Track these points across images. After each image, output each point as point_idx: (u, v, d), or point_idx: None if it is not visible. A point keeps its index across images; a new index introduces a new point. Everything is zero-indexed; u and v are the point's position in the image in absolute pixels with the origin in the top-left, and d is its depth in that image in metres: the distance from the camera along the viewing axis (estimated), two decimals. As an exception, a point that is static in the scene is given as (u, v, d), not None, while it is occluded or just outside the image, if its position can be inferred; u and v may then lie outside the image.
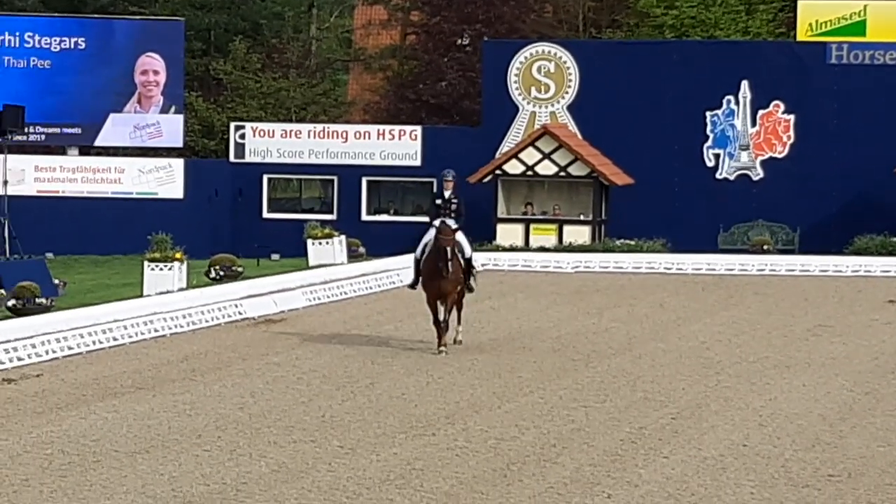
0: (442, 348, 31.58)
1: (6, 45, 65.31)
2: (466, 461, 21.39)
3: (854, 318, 39.46)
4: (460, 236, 31.81)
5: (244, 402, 26.34)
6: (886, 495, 19.31)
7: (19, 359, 31.34)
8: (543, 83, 63.46)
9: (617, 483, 20.04)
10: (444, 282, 31.13)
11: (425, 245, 31.75)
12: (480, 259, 53.91)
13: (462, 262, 31.68)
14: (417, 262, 32.18)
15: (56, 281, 44.24)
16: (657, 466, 21.07)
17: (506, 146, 62.04)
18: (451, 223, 31.54)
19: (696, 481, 20.12)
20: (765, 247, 58.35)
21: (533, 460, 21.49)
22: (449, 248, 30.82)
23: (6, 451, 22.18)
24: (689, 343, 34.27)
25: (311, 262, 52.02)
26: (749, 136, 62.55)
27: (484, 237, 58.49)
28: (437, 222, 31.54)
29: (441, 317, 31.54)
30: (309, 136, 64.56)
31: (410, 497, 19.12)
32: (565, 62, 63.53)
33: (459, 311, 32.77)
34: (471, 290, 32.61)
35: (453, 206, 32.11)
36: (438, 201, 32.38)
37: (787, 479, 20.30)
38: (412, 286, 32.97)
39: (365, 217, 62.37)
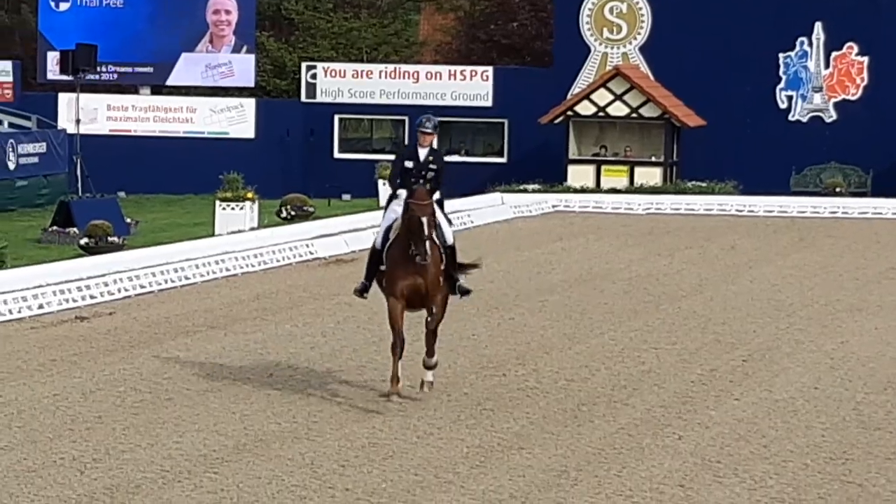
0: (393, 391, 20.72)
1: (77, -16, 65.51)
2: (537, 402, 21.46)
3: (927, 261, 39.34)
4: (439, 215, 21.03)
5: (315, 341, 26.43)
6: (959, 439, 19.30)
7: (92, 297, 31.52)
8: (615, 24, 63.24)
9: (688, 424, 20.07)
10: (418, 275, 20.30)
11: (388, 229, 20.82)
12: (551, 200, 54.02)
13: (442, 251, 20.62)
14: (376, 254, 21.09)
15: (128, 220, 44.54)
16: (728, 408, 21.09)
17: (577, 87, 61.89)
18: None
19: (767, 423, 20.12)
20: (837, 189, 58.15)
21: (603, 401, 21.53)
22: (426, 221, 19.95)
23: (79, 389, 22.35)
24: (761, 285, 34.20)
25: (383, 203, 51.99)
26: (822, 78, 62.24)
27: (555, 179, 58.52)
28: (403, 194, 20.84)
29: (402, 333, 20.87)
30: (380, 77, 64.58)
31: (481, 437, 19.20)
32: (637, 3, 63.27)
33: (433, 334, 21.15)
34: (464, 292, 21.55)
35: (430, 173, 21.07)
36: (409, 164, 21.15)
37: (859, 421, 20.29)
38: (361, 292, 21.60)
39: (437, 157, 62.21)
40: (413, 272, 20.15)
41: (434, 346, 21.10)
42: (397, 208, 20.80)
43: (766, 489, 16.82)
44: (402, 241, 20.32)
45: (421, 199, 20.18)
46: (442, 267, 20.58)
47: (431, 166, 21.10)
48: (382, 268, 20.73)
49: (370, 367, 23.60)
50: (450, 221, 21.67)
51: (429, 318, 20.65)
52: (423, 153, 21.27)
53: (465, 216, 48.62)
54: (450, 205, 49.10)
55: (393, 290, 20.54)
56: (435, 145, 21.71)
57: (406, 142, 58.72)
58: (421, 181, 20.85)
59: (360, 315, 28.78)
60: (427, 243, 19.69)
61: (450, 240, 20.99)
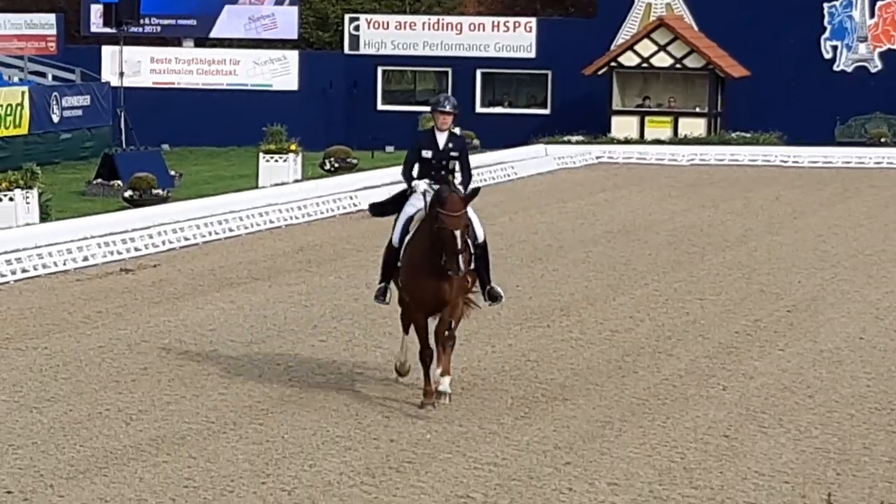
0: (437, 395, 17.91)
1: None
2: (581, 353, 21.48)
3: (972, 212, 39.25)
4: (470, 212, 17.97)
5: (359, 293, 26.45)
6: None
7: (136, 249, 31.61)
8: (660, -26, 63.13)
9: (732, 375, 20.08)
10: (445, 283, 17.51)
11: (408, 221, 18.18)
12: (594, 152, 54.00)
13: (472, 253, 17.70)
14: (393, 251, 18.48)
15: (172, 172, 44.62)
16: (772, 359, 21.09)
17: (621, 38, 61.74)
18: (458, 190, 17.99)
19: (812, 374, 20.12)
20: (882, 139, 58.03)
21: (647, 352, 21.55)
22: (459, 234, 17.08)
23: (124, 341, 22.44)
24: (805, 236, 34.16)
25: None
26: (867, 28, 62.02)
27: (598, 130, 58.52)
28: (421, 186, 18.12)
29: (432, 340, 18.00)
30: (423, 28, 64.52)
31: (525, 388, 19.24)
32: (682, -47, 63.19)
33: (450, 344, 18.02)
34: (495, 298, 18.54)
35: (452, 162, 18.30)
36: (427, 153, 18.24)
37: (904, 371, 20.31)
38: (381, 296, 18.90)
39: (479, 109, 62.24)
40: (437, 281, 17.30)
41: (450, 358, 17.87)
42: (416, 202, 18.00)
43: (810, 439, 16.83)
44: (427, 246, 17.34)
45: (454, 209, 16.99)
46: (471, 267, 17.67)
47: (452, 154, 18.06)
48: (399, 264, 18.19)
49: (414, 319, 23.65)
50: (480, 219, 18.35)
51: (446, 331, 17.58)
52: (442, 139, 18.12)
53: (509, 168, 48.72)
54: (494, 156, 49.66)
55: (415, 298, 17.80)
56: (455, 129, 18.77)
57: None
58: (443, 172, 18.06)
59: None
60: (461, 257, 16.89)
61: (481, 237, 17.91)
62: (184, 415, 17.96)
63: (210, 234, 34.13)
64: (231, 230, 34.82)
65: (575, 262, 30.01)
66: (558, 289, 26.80)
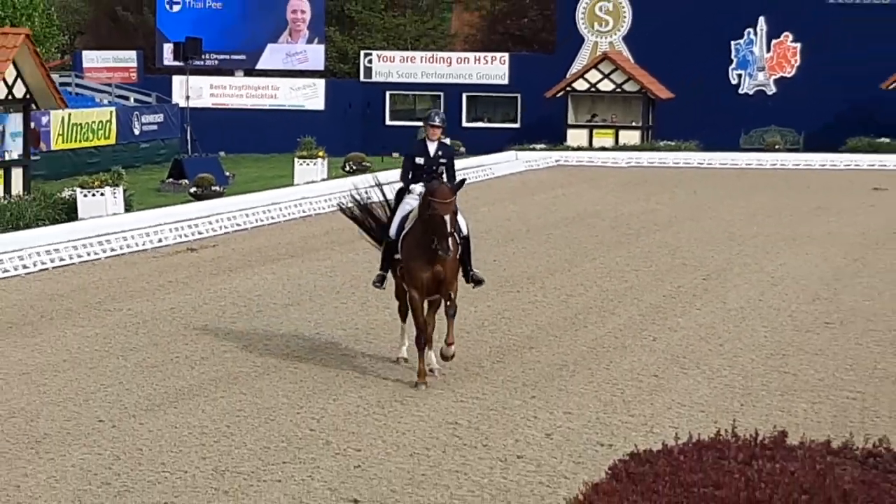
0: (421, 382, 16.34)
1: (187, -9, 65.61)
2: (543, 312, 21.51)
3: (846, 202, 39.23)
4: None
5: (373, 266, 26.29)
6: (870, 338, 19.27)
7: (199, 233, 31.63)
8: (604, 19, 63.08)
9: (660, 329, 20.11)
10: (439, 266, 16.22)
11: (403, 219, 16.90)
12: (554, 157, 53.96)
13: (458, 242, 16.42)
14: (391, 244, 17.11)
15: (227, 173, 44.60)
16: (691, 316, 21.12)
17: (574, 69, 61.76)
18: (447, 183, 16.71)
19: (722, 328, 20.15)
20: (776, 146, 58.09)
21: (595, 311, 21.57)
22: (448, 218, 15.86)
23: (190, 303, 22.45)
24: (717, 221, 34.18)
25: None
26: (765, 60, 62.17)
27: (557, 140, 58.63)
28: (417, 189, 16.81)
29: (430, 328, 16.81)
30: (421, 62, 64.70)
31: (500, 339, 19.25)
32: (621, 2, 63.11)
33: (452, 314, 16.74)
34: (478, 281, 17.28)
35: (441, 167, 17.02)
36: (420, 160, 17.09)
37: (793, 326, 20.31)
38: (380, 282, 17.56)
39: (465, 124, 62.27)
40: (432, 263, 15.94)
41: (453, 330, 16.67)
42: (412, 201, 16.68)
43: (720, 378, 16.86)
44: (421, 235, 16.05)
45: (444, 197, 15.81)
46: (457, 259, 16.26)
47: (442, 160, 16.89)
48: (397, 257, 16.70)
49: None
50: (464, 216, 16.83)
51: (448, 303, 16.27)
52: (432, 148, 16.94)
53: (488, 169, 48.70)
54: (476, 160, 49.57)
55: (414, 283, 16.25)
56: (444, 139, 17.38)
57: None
58: (433, 176, 16.71)
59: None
60: (450, 239, 15.68)
61: (465, 230, 16.53)
62: (237, 361, 17.97)
63: (256, 221, 34.14)
64: (273, 218, 34.84)
65: (539, 242, 30.02)
66: (526, 262, 26.81)
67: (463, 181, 16.38)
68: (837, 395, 15.93)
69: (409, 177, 16.87)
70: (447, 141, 17.30)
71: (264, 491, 12.43)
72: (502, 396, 15.88)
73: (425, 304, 16.25)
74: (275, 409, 15.37)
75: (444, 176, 16.58)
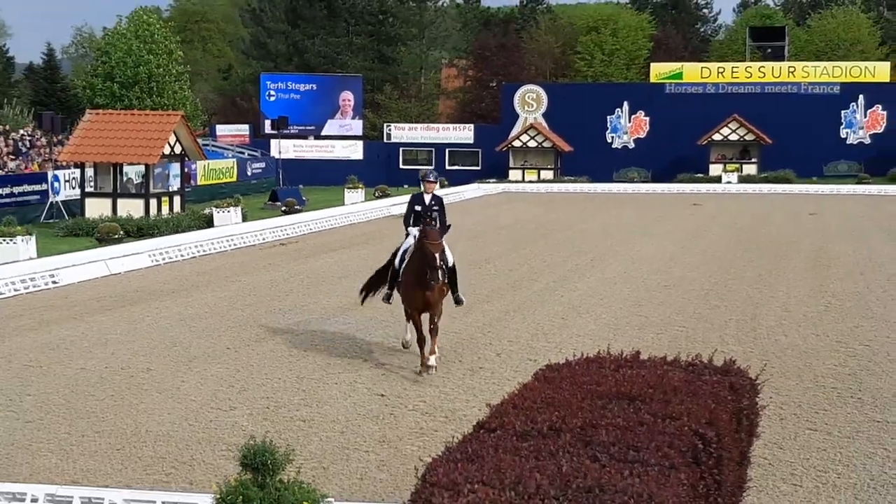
0: (427, 367, 13.35)
1: (278, 88, 65.28)
2: (495, 279, 21.45)
3: (676, 212, 39.21)
4: (446, 246, 14.08)
5: (391, 253, 26.39)
6: (691, 294, 19.26)
7: (286, 234, 31.55)
8: (531, 103, 62.93)
9: (565, 290, 20.07)
10: (430, 292, 13.60)
11: (404, 253, 14.34)
12: (501, 187, 53.76)
13: (445, 271, 13.95)
14: (395, 272, 14.45)
15: (304, 198, 44.41)
16: (585, 282, 21.08)
17: (513, 132, 61.67)
18: (437, 228, 13.99)
19: (602, 289, 20.13)
20: (634, 179, 58.11)
21: (525, 279, 21.54)
22: (438, 254, 13.47)
23: (281, 277, 22.38)
24: (598, 224, 34.14)
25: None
26: (628, 127, 62.13)
27: (503, 176, 58.57)
28: (414, 231, 14.26)
29: (425, 331, 13.76)
30: (420, 130, 64.55)
31: (469, 297, 19.04)
32: (541, 93, 62.98)
33: (434, 333, 13.65)
34: (459, 302, 14.42)
35: (434, 213, 14.57)
36: (418, 208, 14.66)
37: (645, 287, 20.30)
38: (386, 299, 14.77)
39: (447, 167, 62.13)
40: (424, 289, 13.37)
41: (436, 342, 13.56)
42: (410, 240, 14.12)
43: (602, 319, 16.85)
44: (416, 266, 13.44)
45: (434, 238, 13.32)
46: (445, 282, 13.69)
47: (434, 208, 14.44)
48: (399, 280, 14.03)
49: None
50: (451, 252, 14.13)
51: (431, 325, 13.46)
52: (427, 199, 14.47)
53: (461, 194, 48.55)
54: (454, 189, 49.29)
55: (411, 304, 13.67)
56: (437, 192, 14.86)
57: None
58: (428, 220, 14.16)
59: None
60: (439, 271, 13.33)
61: (451, 262, 13.88)
62: (310, 311, 17.88)
63: (321, 227, 34.06)
64: (331, 225, 34.74)
65: (492, 238, 29.96)
66: (484, 250, 26.75)
67: (449, 226, 13.84)
68: (671, 329, 15.95)
69: (410, 220, 14.34)
70: (439, 193, 15.05)
71: (327, 389, 12.42)
72: (471, 331, 15.88)
73: (420, 318, 13.56)
74: (334, 340, 15.35)
75: (438, 219, 14.11)
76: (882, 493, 8.78)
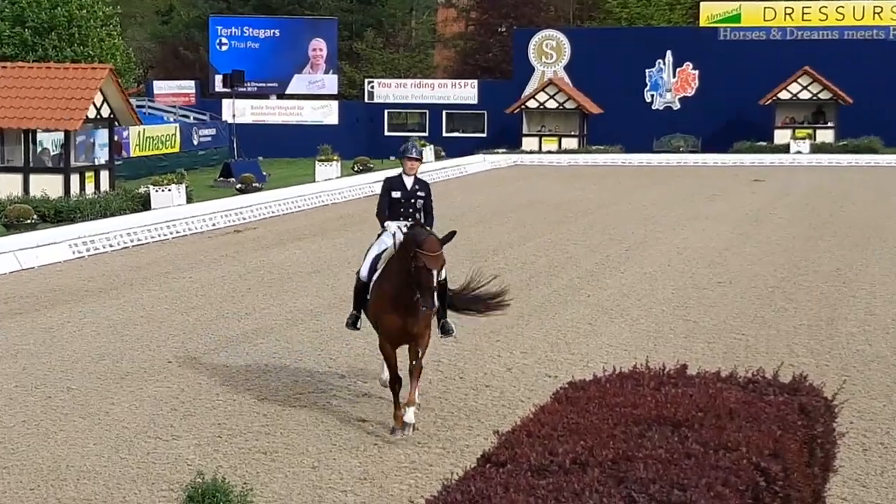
0: (399, 431, 11.59)
1: (231, 34, 65.38)
2: (505, 275, 21.33)
3: (733, 190, 39.28)
4: None
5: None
6: (752, 293, 19.33)
7: (243, 218, 31.61)
8: (549, 53, 63.03)
9: (593, 288, 20.13)
10: (410, 318, 11.59)
11: (376, 259, 12.26)
12: (512, 158, 53.92)
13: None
14: (363, 286, 12.33)
15: (264, 173, 44.50)
16: (618, 278, 21.14)
17: (527, 91, 61.75)
18: (434, 233, 11.88)
19: (640, 287, 20.18)
20: (680, 149, 58.18)
21: (543, 275, 21.58)
22: (435, 274, 11.34)
23: (236, 272, 22.43)
24: (636, 205, 34.21)
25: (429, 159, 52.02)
26: (671, 83, 62.22)
27: (515, 145, 58.73)
28: (392, 227, 12.22)
29: (401, 370, 11.86)
30: (411, 87, 64.68)
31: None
32: (562, 41, 63.06)
33: (416, 374, 11.86)
34: (447, 332, 12.52)
35: (419, 201, 12.45)
36: (396, 194, 12.44)
37: (694, 284, 20.36)
38: (353, 324, 12.65)
39: (445, 134, 62.28)
40: (405, 316, 11.46)
41: (417, 387, 11.84)
42: (387, 240, 12.17)
43: (638, 325, 16.89)
44: (397, 282, 11.45)
45: (433, 249, 11.20)
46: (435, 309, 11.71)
47: (419, 194, 12.37)
48: (368, 297, 12.08)
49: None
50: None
51: (413, 362, 11.71)
52: (409, 182, 12.37)
53: (462, 168, 48.67)
54: (453, 161, 49.44)
55: (386, 332, 11.72)
56: (419, 174, 12.65)
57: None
58: (410, 210, 12.27)
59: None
60: (434, 294, 11.28)
61: (442, 275, 11.97)
62: (272, 316, 17.97)
63: (287, 209, 34.12)
64: (299, 207, 34.80)
65: (501, 223, 30.02)
66: (491, 238, 26.81)
67: (454, 233, 11.65)
68: (727, 337, 16.00)
69: (386, 211, 12.32)
70: (423, 178, 12.65)
71: (294, 413, 12.45)
72: (475, 340, 15.91)
73: (394, 352, 11.75)
74: (301, 352, 15.39)
75: (422, 212, 12.28)
76: None
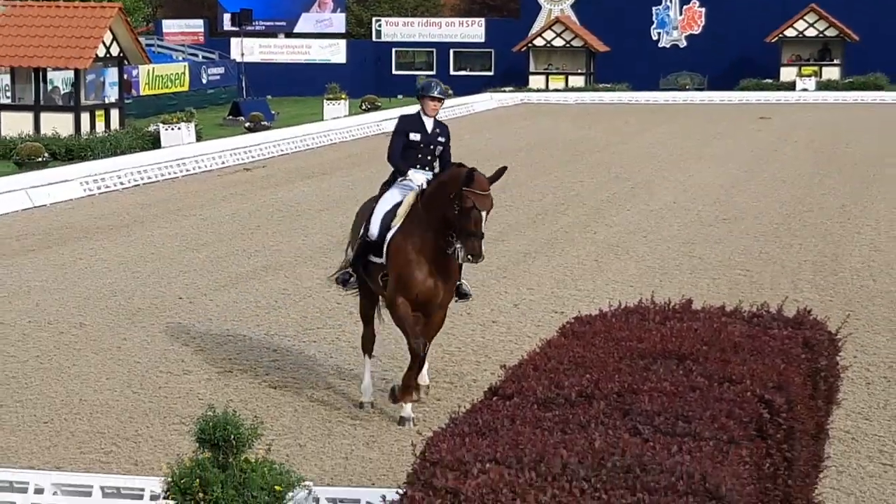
0: (410, 413, 9.98)
1: (240, -27, 65.22)
2: (512, 212, 21.49)
3: (738, 128, 39.14)
4: None
5: (383, 180, 26.36)
6: (756, 230, 19.33)
7: (252, 157, 31.54)
8: (556, -9, 62.88)
9: (599, 225, 20.13)
10: (445, 279, 9.92)
11: (388, 215, 10.22)
12: (520, 97, 53.68)
13: None
14: (370, 244, 10.27)
15: (273, 111, 44.33)
16: (624, 215, 21.13)
17: (534, 29, 61.44)
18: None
19: (646, 224, 20.17)
20: (686, 87, 57.92)
21: (550, 212, 21.58)
22: (485, 216, 9.65)
23: (246, 210, 22.45)
24: (642, 144, 34.13)
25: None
26: (678, 21, 61.84)
27: (522, 84, 58.52)
28: (422, 177, 10.30)
29: (415, 342, 9.86)
30: (419, 26, 64.46)
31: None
32: (569, -21, 62.88)
33: (424, 356, 10.13)
34: (464, 295, 10.50)
35: (439, 147, 10.58)
36: (415, 136, 10.45)
37: (699, 221, 20.35)
38: (343, 281, 10.71)
39: (452, 73, 62.05)
40: (436, 274, 9.87)
41: (417, 379, 10.14)
42: (398, 192, 10.42)
43: (644, 262, 16.90)
44: (425, 234, 9.84)
45: (484, 187, 9.75)
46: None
47: (440, 139, 10.55)
48: (378, 260, 10.17)
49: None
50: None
51: (426, 341, 10.08)
52: (429, 124, 10.49)
53: (470, 106, 48.47)
54: (461, 100, 49.30)
55: (409, 292, 9.86)
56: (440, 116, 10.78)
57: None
58: (429, 157, 10.50)
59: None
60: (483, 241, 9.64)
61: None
62: (281, 253, 18.00)
63: (296, 148, 34.03)
64: (308, 146, 34.71)
65: (508, 161, 29.67)
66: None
67: (504, 168, 10.18)
68: (731, 273, 16.00)
69: (400, 156, 10.54)
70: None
71: (304, 349, 12.49)
72: (482, 277, 15.88)
73: (411, 318, 9.91)
74: (310, 289, 15.41)
75: (439, 160, 10.60)
76: None
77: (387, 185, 10.66)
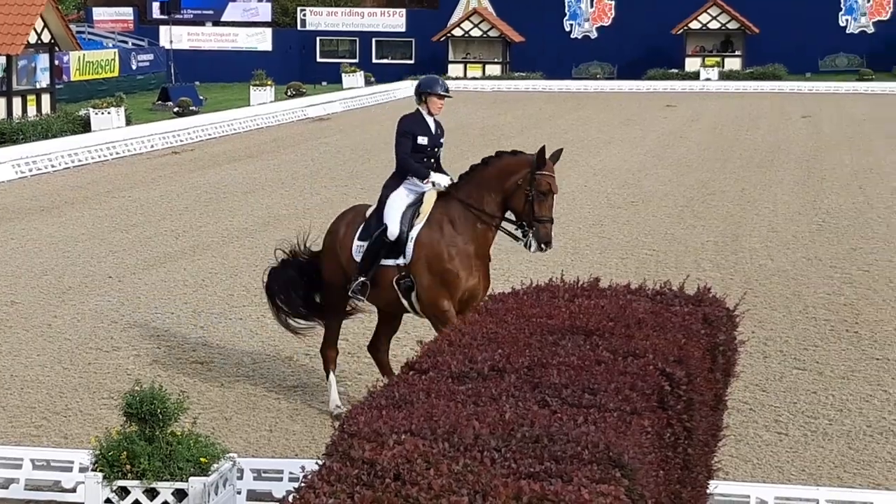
0: None
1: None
2: (431, 196, 21.43)
3: (646, 115, 39.43)
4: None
5: (307, 164, 26.28)
6: (662, 212, 19.49)
7: (181, 140, 31.25)
8: (474, -17, 62.85)
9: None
10: (483, 273, 9.28)
11: (409, 210, 9.23)
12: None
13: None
14: (387, 246, 9.20)
15: (201, 97, 43.88)
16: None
17: (452, 20, 61.37)
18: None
19: (558, 206, 20.15)
20: (597, 75, 58.25)
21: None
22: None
23: (174, 192, 22.22)
24: (555, 129, 34.23)
25: (345, 86, 51.69)
26: (589, 13, 62.05)
27: (441, 72, 58.33)
28: (446, 181, 9.46)
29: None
30: (342, 16, 64.12)
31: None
32: (487, -29, 62.89)
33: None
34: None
35: (440, 150, 9.74)
36: (423, 140, 9.41)
37: (609, 203, 20.47)
38: (360, 290, 9.34)
39: (374, 61, 61.83)
40: (478, 269, 9.22)
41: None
42: (409, 193, 9.40)
43: (556, 241, 16.76)
44: (462, 232, 9.17)
45: (552, 170, 9.39)
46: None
47: (441, 141, 9.77)
48: (392, 262, 9.19)
49: (327, 178, 23.52)
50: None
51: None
52: (432, 124, 9.60)
53: (392, 93, 48.34)
54: (383, 87, 49.12)
55: (454, 295, 9.09)
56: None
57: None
58: (432, 161, 9.58)
59: (339, 145, 28.55)
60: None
61: None
62: (209, 233, 17.84)
63: (223, 132, 33.75)
64: (235, 130, 34.42)
65: (455, 133, 29.87)
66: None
67: (561, 150, 9.71)
68: (638, 252, 16.13)
69: (411, 159, 9.47)
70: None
71: (230, 326, 12.41)
72: (401, 256, 15.87)
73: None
74: (237, 268, 15.30)
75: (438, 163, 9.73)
76: (880, 441, 9.00)
77: (388, 189, 9.51)
